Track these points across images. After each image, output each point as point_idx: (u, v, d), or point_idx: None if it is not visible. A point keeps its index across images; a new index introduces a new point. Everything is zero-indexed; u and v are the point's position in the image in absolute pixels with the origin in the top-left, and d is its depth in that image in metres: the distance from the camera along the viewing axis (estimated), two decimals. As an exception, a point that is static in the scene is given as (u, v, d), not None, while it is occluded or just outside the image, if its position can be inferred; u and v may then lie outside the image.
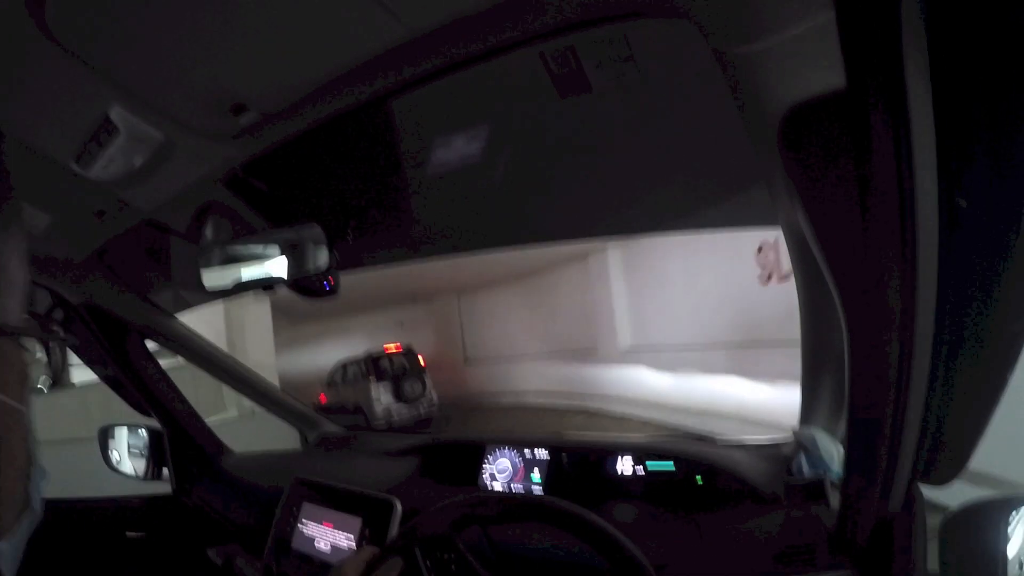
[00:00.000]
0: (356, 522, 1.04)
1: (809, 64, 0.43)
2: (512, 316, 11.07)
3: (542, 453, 1.13)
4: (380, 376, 9.22)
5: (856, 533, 0.67)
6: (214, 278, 0.91)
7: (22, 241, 0.39)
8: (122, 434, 1.62)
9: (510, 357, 10.99)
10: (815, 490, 0.85)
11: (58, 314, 1.32)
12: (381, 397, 9.04)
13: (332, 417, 1.77)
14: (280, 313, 9.61)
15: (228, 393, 6.26)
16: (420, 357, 9.71)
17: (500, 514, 0.75)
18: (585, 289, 9.07)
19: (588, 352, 9.04)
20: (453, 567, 0.73)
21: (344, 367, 10.03)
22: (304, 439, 1.69)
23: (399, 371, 9.31)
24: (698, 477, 0.96)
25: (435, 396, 9.44)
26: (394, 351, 9.68)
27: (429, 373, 9.76)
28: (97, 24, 0.55)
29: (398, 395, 9.06)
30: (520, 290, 10.66)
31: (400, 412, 9.02)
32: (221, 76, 0.62)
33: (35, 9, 0.52)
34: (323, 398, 10.03)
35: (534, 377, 10.15)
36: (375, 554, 0.72)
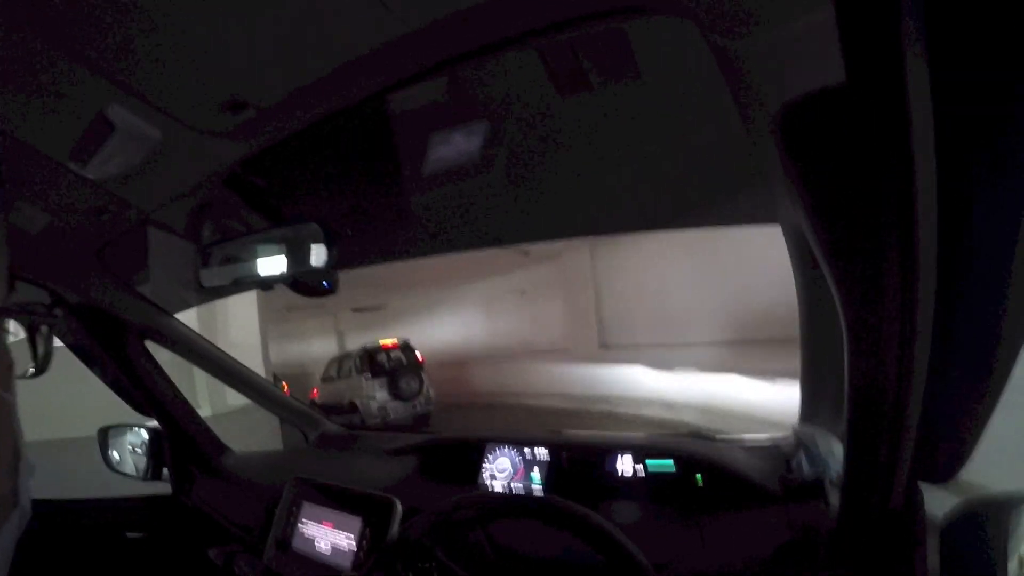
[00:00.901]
0: (356, 522, 1.03)
1: (808, 59, 0.43)
2: (668, 281, 7.49)
3: (542, 452, 1.12)
4: (376, 372, 8.93)
5: (856, 532, 0.67)
6: (213, 277, 0.91)
7: (4, 226, 0.39)
8: (122, 434, 1.63)
9: (666, 346, 7.49)
10: (815, 489, 0.84)
11: (57, 313, 1.31)
12: (376, 394, 8.80)
13: (326, 415, 1.76)
14: (372, 287, 8.69)
15: (201, 390, 6.04)
16: (417, 353, 9.46)
17: (497, 514, 0.75)
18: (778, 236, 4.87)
19: (787, 343, 4.47)
20: (435, 575, 0.74)
21: (339, 362, 9.84)
22: (305, 438, 1.69)
23: (395, 367, 9.05)
24: (698, 476, 0.96)
25: (432, 393, 9.17)
26: (391, 346, 9.47)
27: (562, 355, 8.96)
28: (93, 20, 0.55)
29: (394, 392, 8.79)
30: (678, 238, 7.05)
31: (396, 410, 8.78)
32: (218, 73, 0.62)
33: (30, 4, 0.51)
34: (315, 393, 9.82)
35: (700, 381, 6.73)
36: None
